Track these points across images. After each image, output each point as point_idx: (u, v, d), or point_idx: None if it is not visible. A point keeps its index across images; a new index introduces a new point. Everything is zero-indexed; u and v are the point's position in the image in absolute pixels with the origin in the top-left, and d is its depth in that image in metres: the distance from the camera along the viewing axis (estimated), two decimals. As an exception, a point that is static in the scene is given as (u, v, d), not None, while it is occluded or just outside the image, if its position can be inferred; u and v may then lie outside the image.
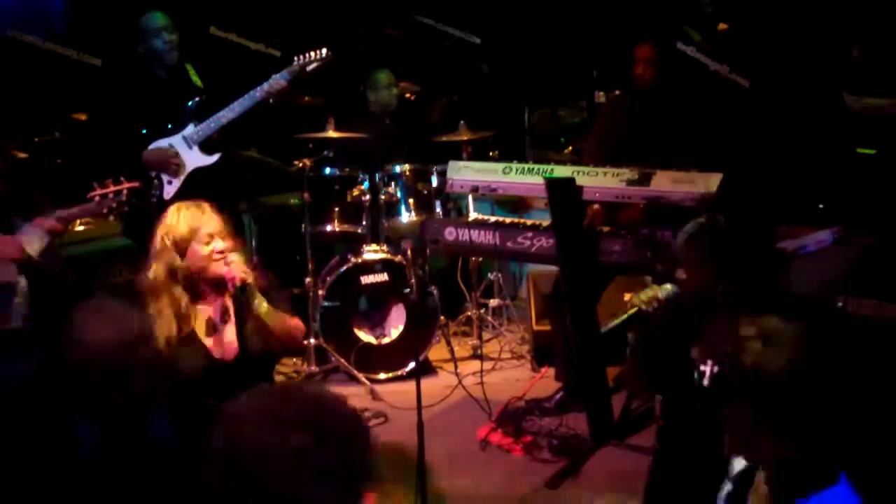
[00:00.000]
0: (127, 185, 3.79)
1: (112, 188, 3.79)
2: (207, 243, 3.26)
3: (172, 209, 3.35)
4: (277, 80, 4.64)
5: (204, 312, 3.31)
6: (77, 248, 5.22)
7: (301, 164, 5.32)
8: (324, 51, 4.69)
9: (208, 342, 3.28)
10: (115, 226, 5.29)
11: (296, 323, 3.44)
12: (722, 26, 5.42)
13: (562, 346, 4.68)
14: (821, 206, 4.94)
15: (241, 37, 5.82)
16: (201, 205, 3.35)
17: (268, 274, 3.46)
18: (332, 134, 5.48)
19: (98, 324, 2.43)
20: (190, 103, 4.78)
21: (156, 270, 3.24)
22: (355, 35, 7.13)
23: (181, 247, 3.25)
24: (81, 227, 5.65)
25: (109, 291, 4.16)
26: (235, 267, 3.20)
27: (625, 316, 3.15)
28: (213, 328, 3.25)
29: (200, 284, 3.29)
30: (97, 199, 3.78)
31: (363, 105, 6.09)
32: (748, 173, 4.77)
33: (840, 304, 3.65)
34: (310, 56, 4.70)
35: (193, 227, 3.26)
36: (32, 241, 3.62)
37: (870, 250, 3.90)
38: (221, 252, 3.25)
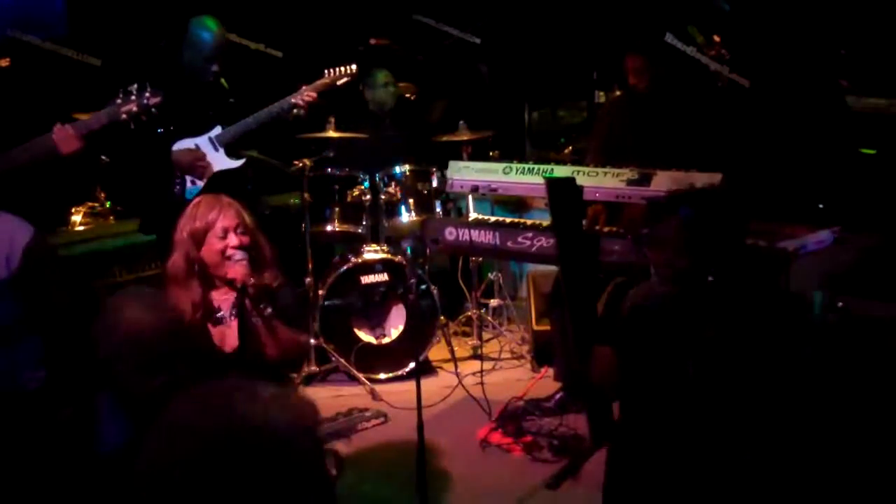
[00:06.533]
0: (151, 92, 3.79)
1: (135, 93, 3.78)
2: (222, 237, 3.28)
3: (194, 201, 3.41)
4: (308, 93, 4.68)
5: (215, 302, 3.34)
6: (77, 248, 5.22)
7: (301, 164, 5.32)
8: (353, 66, 4.79)
9: (213, 331, 3.31)
10: (115, 226, 5.28)
11: (298, 339, 3.43)
12: (716, 38, 5.43)
13: (561, 346, 4.68)
14: (821, 206, 4.93)
15: (241, 37, 5.82)
16: (220, 198, 3.38)
17: (289, 289, 3.45)
18: (332, 134, 5.49)
19: (138, 309, 2.42)
20: (224, 104, 4.75)
21: (175, 260, 3.31)
22: (356, 37, 7.13)
23: (198, 239, 3.29)
24: (81, 228, 5.65)
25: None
26: (239, 268, 3.22)
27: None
28: (218, 319, 3.28)
29: (214, 278, 3.34)
30: (118, 99, 3.77)
31: (363, 105, 6.09)
32: (748, 173, 4.76)
33: (840, 304, 3.64)
34: (340, 71, 4.79)
35: (210, 220, 3.30)
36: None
37: (870, 250, 3.89)
38: (235, 247, 3.27)
